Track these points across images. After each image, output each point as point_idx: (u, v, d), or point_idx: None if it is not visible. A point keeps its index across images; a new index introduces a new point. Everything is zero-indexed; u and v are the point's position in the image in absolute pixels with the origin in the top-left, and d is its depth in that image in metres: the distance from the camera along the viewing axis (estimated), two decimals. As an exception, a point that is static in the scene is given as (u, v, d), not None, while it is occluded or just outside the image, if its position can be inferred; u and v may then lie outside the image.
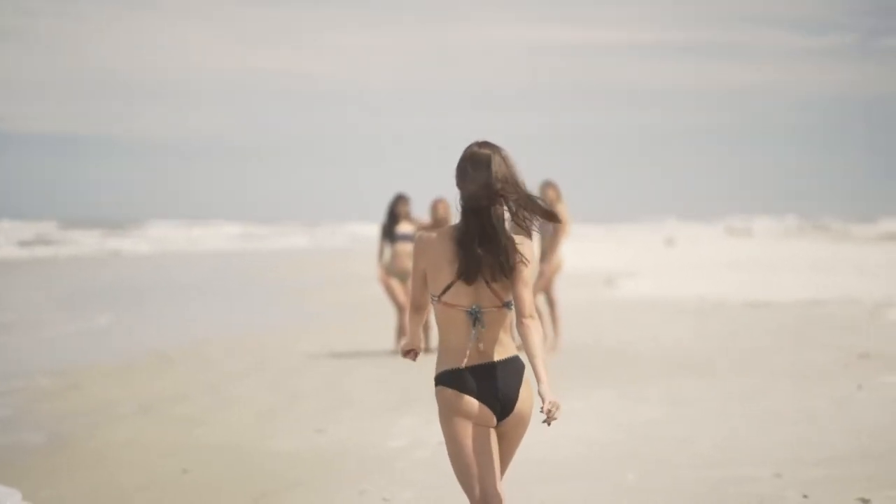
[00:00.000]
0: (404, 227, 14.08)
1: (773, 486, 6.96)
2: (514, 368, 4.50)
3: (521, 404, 4.49)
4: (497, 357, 4.48)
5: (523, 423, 4.52)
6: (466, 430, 4.44)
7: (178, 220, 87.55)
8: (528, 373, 4.53)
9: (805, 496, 6.71)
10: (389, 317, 16.79)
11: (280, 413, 10.09)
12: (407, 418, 9.50)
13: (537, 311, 12.74)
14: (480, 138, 4.60)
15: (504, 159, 4.51)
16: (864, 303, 19.39)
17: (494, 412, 4.46)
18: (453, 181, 4.57)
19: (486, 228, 4.45)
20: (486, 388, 4.45)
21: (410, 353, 4.75)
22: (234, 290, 26.22)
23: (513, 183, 4.48)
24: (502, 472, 4.53)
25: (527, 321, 4.46)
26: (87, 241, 57.15)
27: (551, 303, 14.30)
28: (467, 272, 4.45)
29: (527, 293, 4.47)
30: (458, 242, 4.46)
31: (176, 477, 7.78)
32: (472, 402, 4.43)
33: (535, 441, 8.50)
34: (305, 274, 32.10)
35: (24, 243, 52.58)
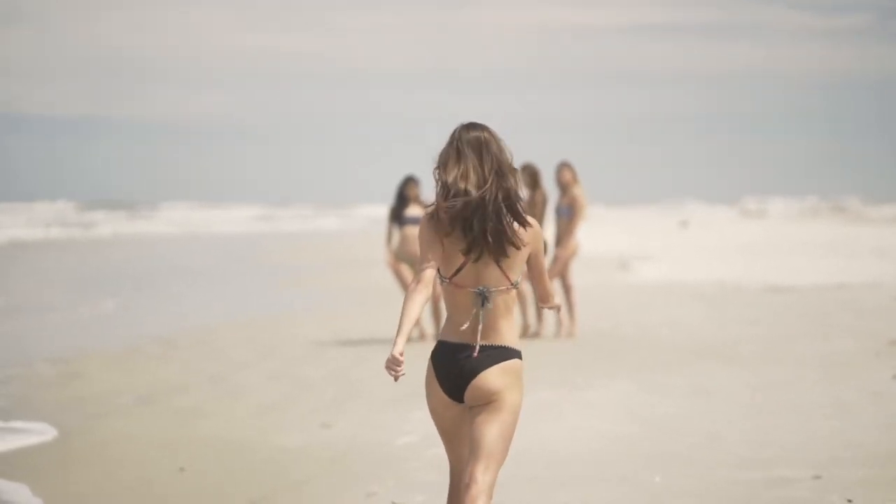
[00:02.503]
0: (414, 210, 13.62)
1: (814, 490, 6.49)
2: (495, 354, 4.42)
3: (481, 380, 4.39)
4: (486, 341, 4.43)
5: (484, 395, 4.38)
6: (436, 408, 4.50)
7: (192, 202, 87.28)
8: (510, 364, 4.42)
9: (849, 501, 6.24)
10: (399, 303, 16.37)
11: (285, 405, 9.65)
12: (418, 412, 9.04)
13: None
14: (466, 120, 4.50)
15: (500, 144, 4.46)
16: (887, 287, 18.92)
17: (451, 393, 4.43)
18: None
19: (485, 210, 4.38)
20: (452, 368, 4.42)
21: (396, 362, 4.36)
22: (244, 274, 25.85)
23: (508, 171, 4.43)
24: (481, 465, 4.36)
25: (551, 302, 4.67)
26: (104, 224, 56.93)
27: (567, 288, 13.85)
28: (471, 250, 4.40)
29: (546, 279, 4.58)
30: (458, 226, 4.40)
31: (173, 474, 7.36)
32: (434, 385, 4.47)
33: (552, 437, 8.07)
34: (317, 257, 31.70)
35: (41, 225, 52.40)
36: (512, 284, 4.44)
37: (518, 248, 4.42)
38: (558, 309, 4.77)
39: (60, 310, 17.91)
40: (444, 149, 4.49)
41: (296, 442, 8.16)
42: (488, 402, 4.40)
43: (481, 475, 4.37)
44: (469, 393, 4.41)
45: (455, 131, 4.49)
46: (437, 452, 7.60)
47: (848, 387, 9.73)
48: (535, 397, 9.21)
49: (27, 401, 10.07)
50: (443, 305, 13.25)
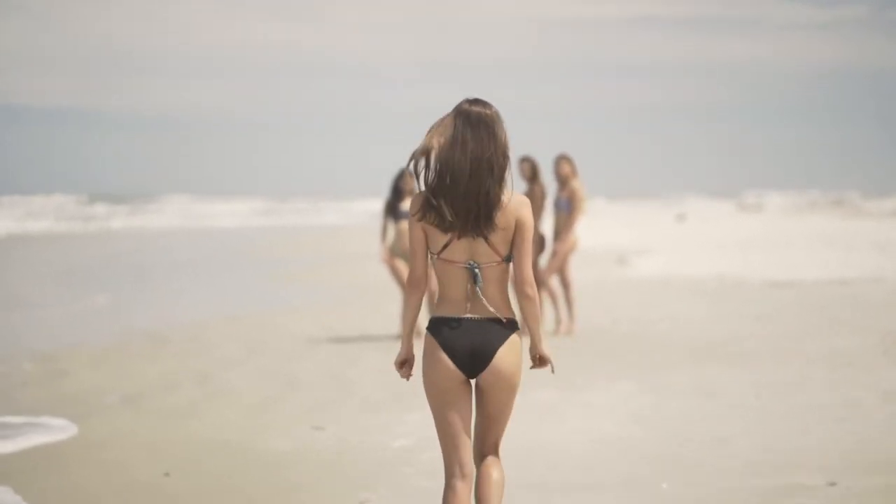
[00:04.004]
0: (409, 205, 13.29)
1: (830, 498, 6.17)
2: (501, 327, 4.44)
3: (497, 362, 4.42)
4: (488, 314, 4.43)
5: (503, 383, 4.44)
6: (438, 394, 4.45)
7: (192, 196, 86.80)
8: (516, 337, 4.48)
9: (868, 511, 5.94)
10: (395, 299, 16.06)
11: (275, 406, 9.31)
12: (414, 413, 8.72)
13: (551, 292, 12.29)
14: (471, 96, 4.46)
15: (501, 126, 4.41)
16: (890, 282, 18.64)
17: (463, 367, 4.42)
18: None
19: (468, 195, 4.35)
20: (461, 343, 4.41)
21: (405, 365, 4.63)
22: (241, 268, 25.51)
23: (501, 156, 4.39)
24: (491, 434, 4.52)
25: (528, 291, 4.46)
26: (103, 217, 56.63)
27: (566, 284, 13.53)
28: (449, 230, 4.38)
29: (527, 262, 4.43)
30: (442, 199, 4.37)
31: (158, 479, 7.04)
32: (441, 359, 4.43)
33: (553, 440, 7.76)
34: (314, 251, 31.39)
35: (38, 219, 52.15)
36: (503, 258, 4.44)
37: (494, 226, 4.40)
38: (552, 368, 4.65)
39: (51, 305, 17.60)
40: (444, 117, 4.45)
41: (286, 445, 7.83)
42: (502, 385, 4.46)
43: (492, 452, 4.57)
44: (487, 373, 4.45)
45: (459, 104, 4.45)
46: (433, 457, 7.28)
47: (857, 386, 9.42)
48: (534, 397, 8.91)
49: (7, 400, 9.74)
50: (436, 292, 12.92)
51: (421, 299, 4.54)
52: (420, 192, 4.46)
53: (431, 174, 4.40)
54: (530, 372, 4.79)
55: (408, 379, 4.59)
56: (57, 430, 8.52)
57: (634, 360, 11.26)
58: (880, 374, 9.95)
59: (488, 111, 4.41)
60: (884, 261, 23.20)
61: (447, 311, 4.45)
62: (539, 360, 4.59)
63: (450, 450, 4.49)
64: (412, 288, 4.52)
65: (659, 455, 7.29)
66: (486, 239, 4.40)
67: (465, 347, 4.42)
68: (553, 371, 4.63)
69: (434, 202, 4.38)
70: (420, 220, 4.44)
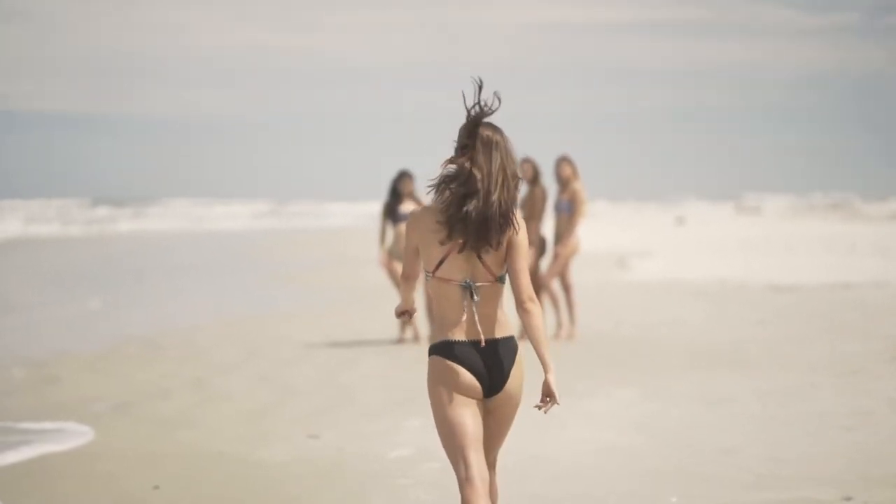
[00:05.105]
0: (408, 207, 13.09)
1: (845, 514, 5.98)
2: (506, 347, 4.51)
3: (510, 384, 4.52)
4: (490, 335, 4.49)
5: (512, 403, 4.55)
6: (452, 401, 4.46)
7: (194, 199, 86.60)
8: (520, 353, 4.56)
9: (885, 528, 5.74)
10: (394, 303, 15.87)
11: (270, 413, 9.10)
12: (413, 420, 8.51)
13: (553, 296, 12.13)
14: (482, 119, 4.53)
15: (510, 151, 4.51)
16: (893, 286, 18.44)
17: (483, 386, 4.49)
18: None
19: (487, 200, 4.41)
20: (476, 362, 4.47)
21: (405, 314, 4.77)
22: (239, 271, 25.31)
23: (512, 177, 4.46)
24: (494, 450, 4.62)
25: (527, 305, 4.49)
26: (106, 221, 56.50)
27: (567, 288, 13.31)
28: (451, 236, 4.43)
29: (524, 277, 4.49)
30: (445, 212, 4.45)
31: (147, 493, 6.82)
32: (459, 372, 4.45)
33: (554, 450, 7.56)
34: (314, 254, 31.19)
35: (41, 223, 52.02)
36: (495, 279, 4.49)
37: (501, 243, 4.46)
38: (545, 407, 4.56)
39: (45, 308, 17.40)
40: (460, 134, 4.53)
41: (279, 455, 7.61)
42: (512, 403, 4.55)
43: (492, 467, 4.64)
44: (501, 395, 4.52)
45: (472, 129, 4.52)
46: (432, 467, 7.10)
47: (867, 395, 9.20)
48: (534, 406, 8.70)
49: (-3, 407, 9.53)
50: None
51: (415, 284, 4.69)
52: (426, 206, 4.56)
53: (451, 186, 4.47)
54: (530, 382, 4.63)
55: (409, 319, 4.76)
56: (47, 439, 8.32)
57: (636, 365, 11.06)
58: (887, 382, 9.75)
59: (497, 137, 4.53)
60: (886, 265, 23.02)
61: (450, 336, 4.49)
62: (546, 398, 4.54)
63: (468, 456, 4.43)
64: (405, 279, 4.68)
65: (662, 466, 7.08)
66: (479, 258, 4.46)
67: (479, 368, 4.48)
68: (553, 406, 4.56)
69: (449, 213, 4.44)
70: (415, 232, 4.51)
